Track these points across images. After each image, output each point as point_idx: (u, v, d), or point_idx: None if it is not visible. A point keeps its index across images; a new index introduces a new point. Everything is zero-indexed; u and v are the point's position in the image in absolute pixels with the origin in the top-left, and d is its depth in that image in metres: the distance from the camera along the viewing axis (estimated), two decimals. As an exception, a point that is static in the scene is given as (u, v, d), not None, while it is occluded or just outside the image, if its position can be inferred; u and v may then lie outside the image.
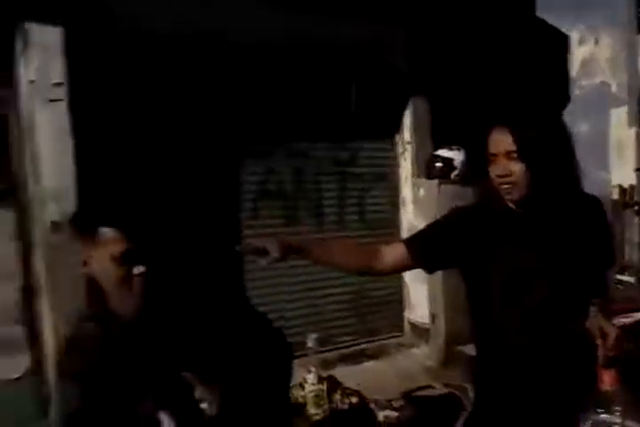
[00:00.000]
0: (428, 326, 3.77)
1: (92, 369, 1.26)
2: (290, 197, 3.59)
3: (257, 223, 3.46)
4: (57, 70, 2.45)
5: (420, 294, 3.83)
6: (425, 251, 1.40)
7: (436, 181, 3.57)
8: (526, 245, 1.32)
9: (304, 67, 3.47)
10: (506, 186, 1.30)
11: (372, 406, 1.73)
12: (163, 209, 2.85)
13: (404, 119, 3.86)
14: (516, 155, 1.26)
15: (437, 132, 3.77)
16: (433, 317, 3.63)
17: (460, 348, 3.49)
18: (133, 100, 2.86)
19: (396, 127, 3.90)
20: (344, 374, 3.28)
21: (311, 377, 3.13)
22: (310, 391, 2.96)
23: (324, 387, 3.10)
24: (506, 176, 1.29)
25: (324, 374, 3.17)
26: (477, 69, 3.82)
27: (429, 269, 1.45)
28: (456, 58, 3.75)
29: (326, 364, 3.39)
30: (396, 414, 1.70)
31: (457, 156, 3.53)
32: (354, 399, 3.05)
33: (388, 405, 1.77)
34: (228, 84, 3.22)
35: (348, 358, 3.67)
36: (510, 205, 1.34)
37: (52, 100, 2.40)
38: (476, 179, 3.45)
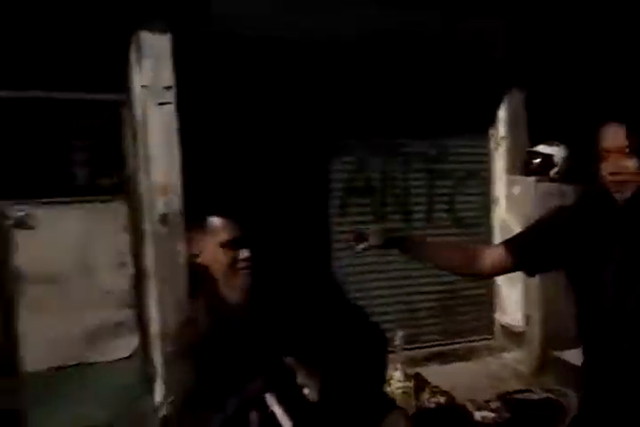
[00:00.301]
0: (520, 330, 3.61)
1: (204, 350, 1.37)
2: (378, 194, 3.59)
3: (345, 220, 3.50)
4: (167, 75, 2.64)
5: (513, 296, 3.68)
6: (527, 253, 1.36)
7: (532, 179, 3.42)
8: (635, 242, 1.25)
9: (395, 61, 3.45)
10: (617, 183, 1.24)
11: (468, 405, 1.70)
12: (256, 202, 3.00)
13: (499, 113, 3.73)
14: (629, 151, 1.20)
15: (535, 127, 3.59)
16: (527, 319, 3.47)
17: (556, 353, 3.33)
18: (232, 99, 3.02)
19: (491, 122, 3.77)
20: (430, 373, 3.25)
21: (398, 374, 3.13)
22: (397, 388, 2.96)
23: (412, 384, 3.09)
24: (619, 174, 1.23)
25: (411, 372, 3.15)
26: (580, 61, 3.59)
27: (531, 273, 1.41)
28: (556, 48, 3.54)
29: (413, 362, 3.37)
30: (493, 415, 1.66)
31: (558, 152, 3.35)
32: (442, 399, 3.00)
33: (485, 405, 1.73)
34: (321, 80, 3.27)
35: (435, 358, 3.61)
36: (619, 202, 1.27)
37: (161, 104, 2.60)
38: (578, 177, 3.28)
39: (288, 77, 3.18)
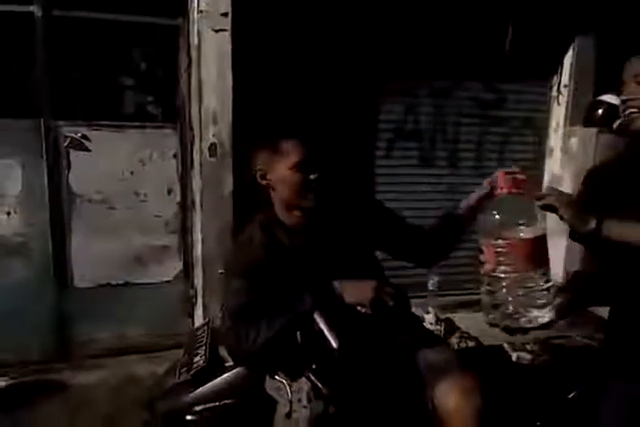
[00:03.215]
0: (559, 284, 3.60)
1: (256, 269, 1.40)
2: (426, 139, 3.49)
3: (390, 163, 3.45)
4: (224, 1, 2.55)
5: (556, 249, 3.61)
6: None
7: (594, 130, 3.25)
8: None
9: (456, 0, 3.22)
10: (633, 110, 1.27)
11: (505, 346, 1.73)
12: (304, 138, 2.95)
13: (565, 59, 3.50)
14: None
15: (602, 77, 3.36)
16: (567, 275, 3.44)
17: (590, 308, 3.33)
18: (285, 32, 2.89)
19: (554, 69, 3.54)
20: (460, 319, 3.29)
21: (429, 317, 3.19)
22: (428, 331, 3.03)
23: (442, 328, 3.15)
24: (632, 100, 1.26)
25: (442, 317, 3.21)
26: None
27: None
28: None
29: (445, 308, 3.41)
30: (529, 356, 1.70)
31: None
32: (471, 343, 3.06)
33: (522, 347, 1.77)
34: (375, 17, 3.09)
35: (468, 306, 3.65)
36: None
37: (217, 30, 2.53)
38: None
39: (342, 12, 3.01)
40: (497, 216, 1.21)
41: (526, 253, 1.17)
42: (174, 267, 2.94)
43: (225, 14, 2.56)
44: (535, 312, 1.18)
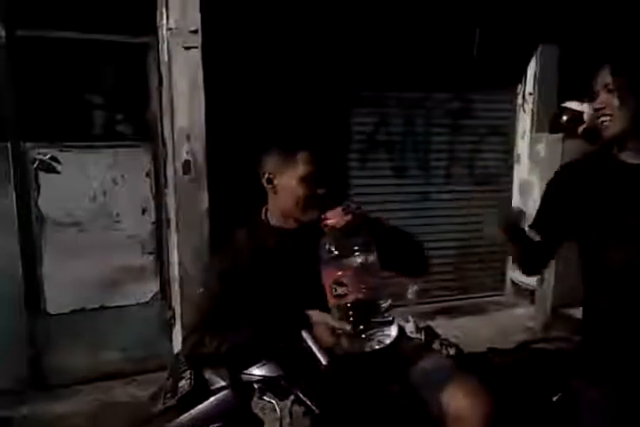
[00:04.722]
0: (532, 288, 3.67)
1: (236, 273, 1.38)
2: (399, 149, 3.55)
3: (364, 174, 3.48)
4: (194, 18, 2.56)
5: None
6: (554, 232, 1.40)
7: (559, 136, 3.34)
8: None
9: (421, 11, 3.28)
10: (602, 119, 1.29)
11: (487, 352, 1.76)
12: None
13: (529, 69, 3.62)
14: (613, 88, 1.26)
15: (565, 86, 3.47)
16: (541, 278, 3.51)
17: (564, 311, 3.40)
18: (255, 45, 2.91)
19: (519, 77, 3.66)
20: (440, 326, 3.31)
21: (409, 326, 3.21)
22: (409, 340, 3.04)
23: (422, 337, 3.16)
24: (602, 109, 1.29)
25: (422, 325, 3.22)
26: (613, 17, 3.40)
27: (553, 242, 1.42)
28: (590, 3, 3.36)
29: (424, 316, 3.44)
30: (510, 361, 1.72)
31: (588, 109, 3.26)
32: (451, 350, 3.09)
33: (502, 353, 1.79)
34: (347, 29, 3.15)
35: (446, 312, 3.69)
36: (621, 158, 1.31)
37: (187, 48, 2.53)
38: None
39: (314, 24, 3.05)
40: (332, 248, 1.24)
41: (363, 277, 1.23)
42: (151, 288, 2.88)
43: (195, 31, 2.56)
44: (384, 332, 1.24)
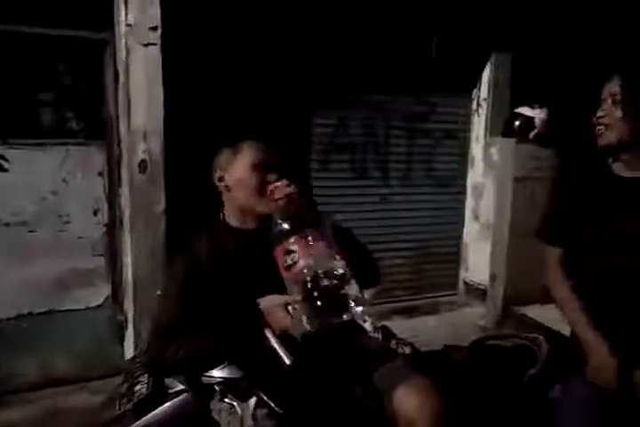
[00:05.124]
0: (483, 287, 3.78)
1: (192, 278, 1.34)
2: (359, 150, 3.58)
3: (325, 176, 3.49)
4: (153, 15, 2.48)
5: (480, 255, 3.81)
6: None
7: (512, 141, 3.47)
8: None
9: (379, 15, 3.32)
10: (601, 127, 1.33)
11: (443, 349, 1.79)
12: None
13: (483, 75, 3.72)
14: (619, 99, 1.29)
15: (518, 91, 3.58)
16: (493, 277, 3.62)
17: (516, 309, 3.52)
18: (216, 43, 2.87)
19: (474, 83, 3.76)
20: (396, 326, 3.37)
21: (366, 326, 3.24)
22: (366, 339, 3.07)
23: (379, 336, 3.20)
24: (604, 117, 1.32)
25: (378, 325, 3.26)
26: (568, 21, 3.53)
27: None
28: (544, 9, 3.50)
29: (380, 315, 3.48)
30: (467, 358, 1.75)
31: (539, 114, 3.40)
32: (407, 349, 3.14)
33: (459, 350, 1.83)
34: (307, 29, 3.14)
35: (402, 312, 3.74)
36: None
37: (146, 44, 2.46)
38: (557, 140, 3.34)
39: (276, 23, 3.03)
40: (285, 225, 1.23)
41: (313, 244, 1.19)
42: (102, 291, 2.79)
43: (154, 28, 2.49)
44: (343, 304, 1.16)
